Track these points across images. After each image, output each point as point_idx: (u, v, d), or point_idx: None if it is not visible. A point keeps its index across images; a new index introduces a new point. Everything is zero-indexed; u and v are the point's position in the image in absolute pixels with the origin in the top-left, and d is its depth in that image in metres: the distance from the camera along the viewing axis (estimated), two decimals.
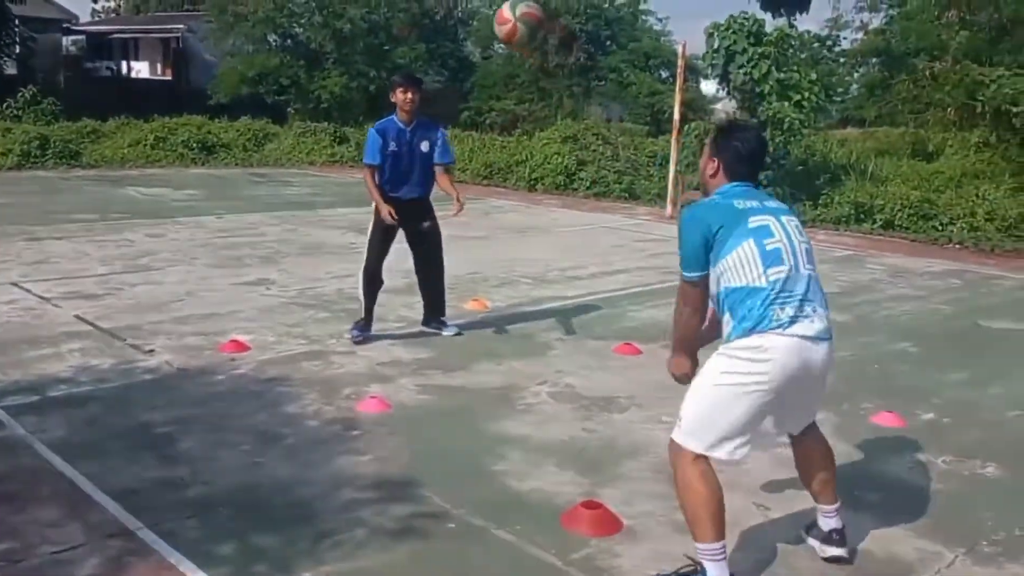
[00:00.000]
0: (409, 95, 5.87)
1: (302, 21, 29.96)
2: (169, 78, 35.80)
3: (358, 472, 4.09)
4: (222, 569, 3.22)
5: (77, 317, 6.55)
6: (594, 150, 17.79)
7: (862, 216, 13.04)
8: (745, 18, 14.56)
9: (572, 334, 6.57)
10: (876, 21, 30.90)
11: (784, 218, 3.19)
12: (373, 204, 6.01)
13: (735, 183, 3.27)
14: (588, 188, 16.75)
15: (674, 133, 13.94)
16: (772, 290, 3.03)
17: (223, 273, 8.33)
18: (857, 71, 31.04)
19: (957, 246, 11.60)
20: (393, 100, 5.95)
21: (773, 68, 14.09)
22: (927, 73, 16.92)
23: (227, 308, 7.00)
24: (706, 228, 3.13)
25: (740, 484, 4.07)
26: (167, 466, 4.08)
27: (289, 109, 30.46)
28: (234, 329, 6.34)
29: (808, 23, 74.45)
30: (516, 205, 15.11)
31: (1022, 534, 3.67)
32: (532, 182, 17.47)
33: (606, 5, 33.85)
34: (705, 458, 3.10)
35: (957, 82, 15.44)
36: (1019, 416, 5.13)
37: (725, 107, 30.60)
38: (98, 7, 51.21)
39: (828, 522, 3.41)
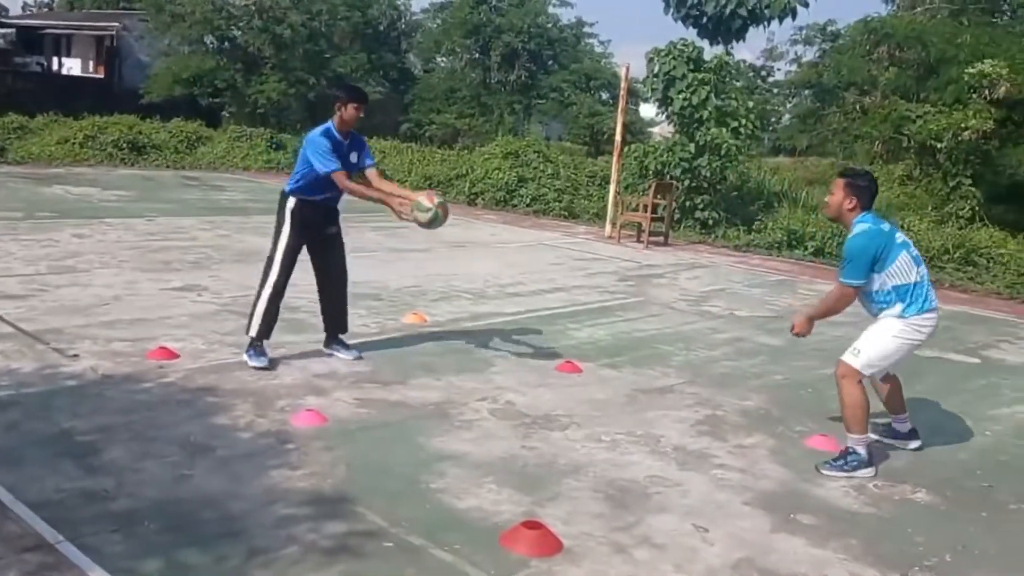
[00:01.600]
0: (362, 114, 5.64)
1: (241, 24, 29.52)
2: (101, 76, 34.84)
3: (292, 487, 3.97)
4: None
5: None
6: (535, 167, 17.84)
7: (794, 243, 13.32)
8: (685, 44, 14.82)
9: (512, 351, 6.53)
10: (809, 54, 31.81)
11: (905, 235, 4.81)
12: (288, 211, 5.68)
13: (866, 212, 4.68)
14: (528, 205, 16.79)
15: (616, 154, 14.06)
16: (923, 281, 4.66)
17: (152, 277, 8.08)
18: (790, 101, 31.89)
19: None
20: (341, 112, 5.59)
21: (712, 95, 14.36)
22: (857, 106, 17.44)
23: (156, 314, 6.78)
24: (875, 250, 4.55)
25: (678, 506, 4.08)
26: (90, 476, 3.90)
27: (224, 112, 29.91)
28: (163, 336, 6.14)
29: (744, 52, 76.25)
30: (456, 219, 14.94)
31: (953, 560, 3.74)
32: (472, 196, 17.44)
33: (550, 25, 34.13)
34: (862, 379, 4.67)
35: (885, 116, 15.96)
36: (943, 443, 5.25)
37: (662, 131, 31.09)
38: (30, 0, 49.66)
39: (905, 425, 5.11)
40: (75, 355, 5.57)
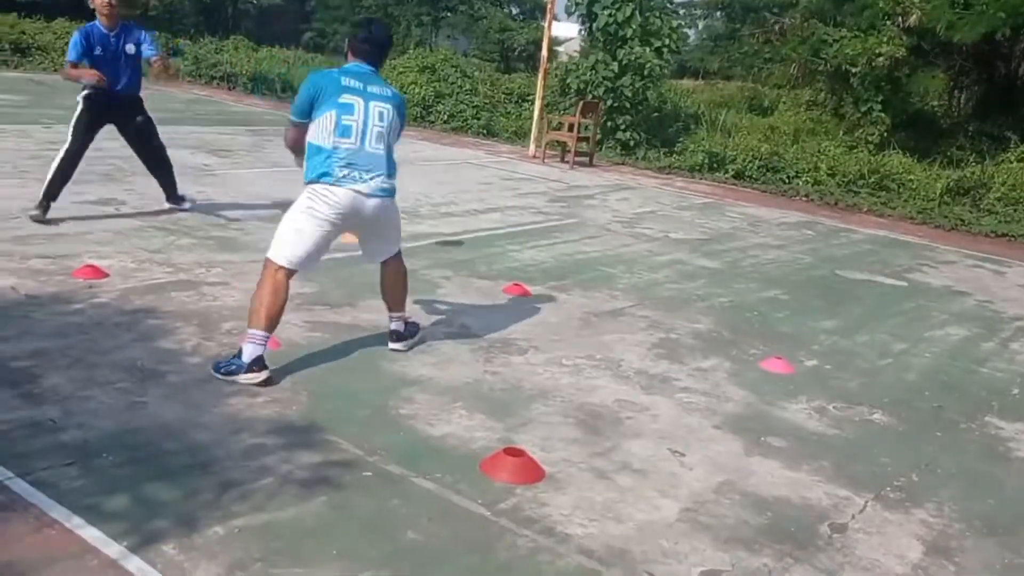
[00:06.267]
0: (112, 7, 6.14)
1: None
2: None
3: (255, 415, 3.76)
4: (117, 525, 2.85)
5: None
6: (452, 83, 17.36)
7: (715, 165, 13.43)
8: None
9: (457, 272, 6.35)
10: None
11: (373, 103, 4.23)
12: (80, 97, 6.37)
13: (358, 62, 4.33)
14: (445, 122, 16.37)
15: (541, 71, 13.77)
16: (336, 154, 4.14)
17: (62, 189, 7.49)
18: (701, 21, 31.87)
19: (804, 198, 12.15)
20: (91, 5, 6.19)
21: (636, 12, 14.14)
22: (777, 27, 17.51)
23: (74, 229, 6.31)
24: (314, 90, 4.21)
25: (650, 431, 4.05)
26: (32, 406, 3.59)
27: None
28: (86, 253, 5.71)
29: None
30: None
31: (919, 479, 3.84)
32: None
33: None
34: (285, 271, 4.16)
35: (804, 39, 16.05)
36: (890, 365, 5.40)
37: (568, 49, 30.78)
38: None
39: (396, 324, 4.70)
40: None
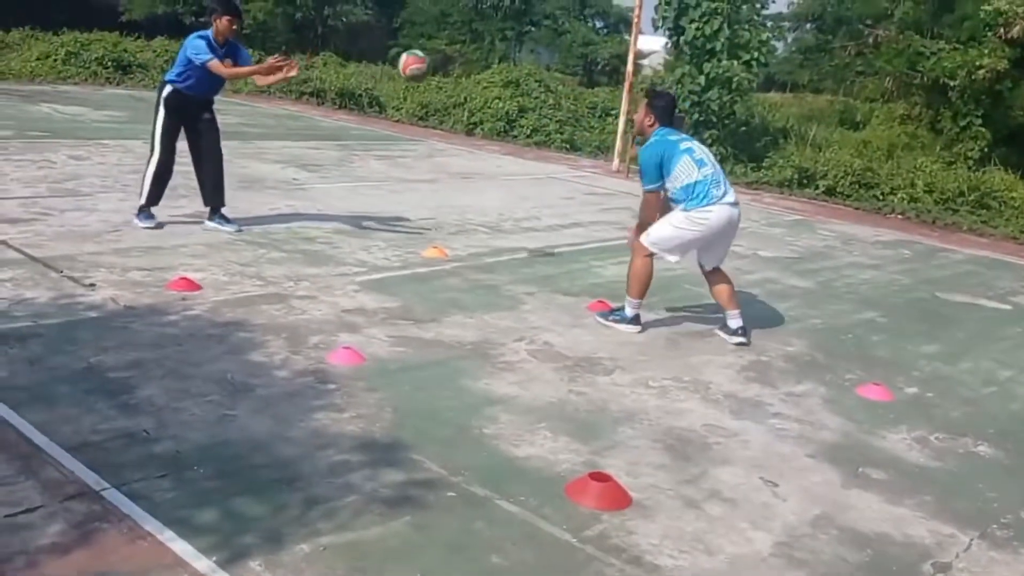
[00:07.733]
0: (235, 27, 6.55)
1: None
2: None
3: (340, 431, 3.77)
4: (206, 539, 2.89)
5: (3, 243, 5.95)
6: (536, 97, 17.38)
7: (804, 181, 13.08)
8: None
9: (540, 288, 6.31)
10: None
11: (696, 142, 5.45)
12: (161, 108, 6.68)
13: (663, 127, 5.36)
14: (528, 136, 16.36)
15: (627, 85, 13.66)
16: (705, 180, 5.23)
17: (161, 203, 7.72)
18: (791, 33, 31.25)
19: (899, 216, 11.73)
20: (216, 24, 6.51)
21: (724, 25, 13.92)
22: (871, 40, 17.03)
23: (169, 242, 6.49)
24: (658, 157, 5.26)
25: (741, 458, 3.93)
26: (127, 416, 3.67)
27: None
28: (181, 266, 5.86)
29: None
30: (458, 149, 14.65)
31: None
32: (471, 126, 16.98)
33: None
34: (652, 256, 5.38)
35: (900, 51, 15.55)
36: (995, 393, 5.14)
37: (652, 62, 30.60)
38: None
39: (734, 321, 5.49)
40: (92, 284, 5.29)
